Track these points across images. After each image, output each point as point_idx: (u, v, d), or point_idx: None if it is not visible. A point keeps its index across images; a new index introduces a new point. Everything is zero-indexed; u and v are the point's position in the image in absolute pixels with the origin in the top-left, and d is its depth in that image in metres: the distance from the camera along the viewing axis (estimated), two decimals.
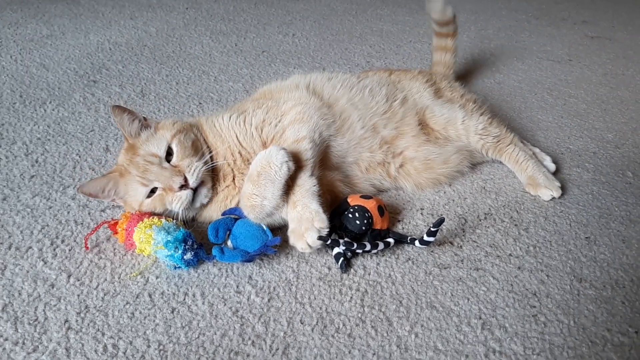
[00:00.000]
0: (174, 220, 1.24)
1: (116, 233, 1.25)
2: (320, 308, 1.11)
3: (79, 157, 1.63)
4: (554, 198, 1.48)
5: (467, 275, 1.21)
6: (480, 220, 1.40)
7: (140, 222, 1.20)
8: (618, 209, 1.46)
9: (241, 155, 1.33)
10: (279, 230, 1.28)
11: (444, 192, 1.52)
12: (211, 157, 1.30)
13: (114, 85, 2.15)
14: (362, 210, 1.26)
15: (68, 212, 1.38)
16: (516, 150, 1.57)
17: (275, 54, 2.58)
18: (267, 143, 1.34)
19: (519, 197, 1.50)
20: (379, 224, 1.27)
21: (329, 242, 1.17)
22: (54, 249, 1.26)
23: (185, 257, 1.15)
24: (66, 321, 1.06)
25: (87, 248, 1.25)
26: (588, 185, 1.56)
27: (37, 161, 1.60)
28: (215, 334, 1.05)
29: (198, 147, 1.30)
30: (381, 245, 1.24)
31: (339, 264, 1.20)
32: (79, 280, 1.17)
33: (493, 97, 2.17)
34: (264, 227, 1.23)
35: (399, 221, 1.39)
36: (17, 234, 1.30)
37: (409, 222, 1.39)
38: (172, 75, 2.26)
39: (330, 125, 1.40)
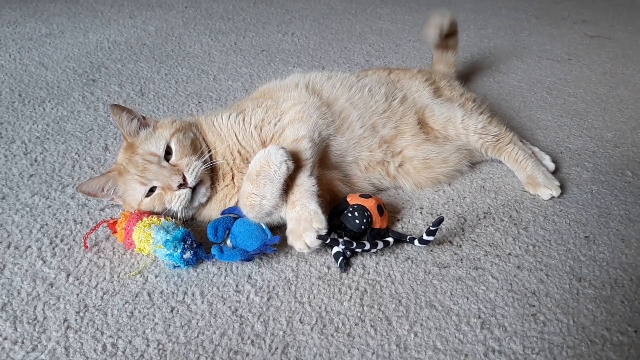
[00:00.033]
0: (173, 220, 1.24)
1: (115, 232, 1.25)
2: (320, 307, 1.11)
3: (78, 156, 1.63)
4: (553, 197, 1.48)
5: (467, 275, 1.21)
6: (479, 219, 1.40)
7: (140, 221, 1.20)
8: (617, 208, 1.46)
9: (240, 154, 1.33)
10: (278, 229, 1.28)
11: (443, 191, 1.51)
12: (210, 156, 1.30)
13: (113, 84, 2.15)
14: (362, 209, 1.26)
15: (67, 211, 1.38)
16: (515, 149, 1.57)
17: (274, 53, 2.58)
18: (266, 142, 1.34)
19: (518, 196, 1.50)
20: (378, 223, 1.27)
21: (328, 241, 1.17)
22: (53, 248, 1.25)
23: (184, 256, 1.15)
24: (65, 320, 1.06)
25: (86, 247, 1.25)
26: (587, 185, 1.56)
27: (36, 160, 1.60)
28: (215, 333, 1.05)
29: (197, 146, 1.29)
30: (380, 245, 1.23)
31: (338, 263, 1.20)
32: (78, 279, 1.17)
33: (492, 96, 2.17)
34: (263, 226, 1.23)
35: (398, 220, 1.39)
36: (16, 233, 1.30)
37: (409, 221, 1.39)
38: (172, 74, 2.26)
39: (330, 125, 1.40)
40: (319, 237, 1.15)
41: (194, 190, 1.24)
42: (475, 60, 2.57)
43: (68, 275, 1.17)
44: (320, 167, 1.35)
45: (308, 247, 1.16)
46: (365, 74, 1.71)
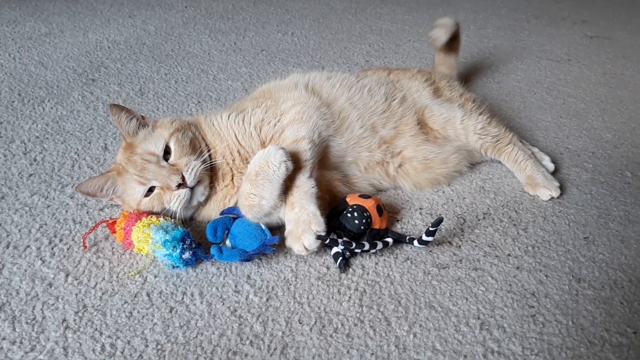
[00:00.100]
0: (172, 220, 1.23)
1: (114, 232, 1.25)
2: (319, 308, 1.11)
3: (78, 155, 1.63)
4: (552, 198, 1.48)
5: (466, 275, 1.21)
6: (479, 220, 1.40)
7: (139, 221, 1.20)
8: (617, 209, 1.46)
9: (240, 154, 1.33)
10: (278, 229, 1.28)
11: (443, 192, 1.51)
12: (210, 156, 1.30)
13: (112, 83, 2.15)
14: (361, 209, 1.26)
15: (66, 211, 1.38)
16: (515, 150, 1.57)
17: (274, 53, 2.58)
18: (265, 142, 1.33)
19: (517, 196, 1.50)
20: (377, 223, 1.27)
21: (327, 241, 1.17)
22: (52, 248, 1.25)
23: (183, 256, 1.15)
24: (64, 320, 1.06)
25: (85, 247, 1.25)
26: (587, 185, 1.56)
27: (35, 160, 1.60)
28: (214, 333, 1.05)
29: (196, 145, 1.29)
30: (380, 245, 1.23)
31: (338, 263, 1.20)
32: (77, 279, 1.17)
33: (492, 96, 2.17)
34: (263, 227, 1.23)
35: (397, 221, 1.39)
36: (15, 233, 1.30)
37: (408, 222, 1.39)
38: (171, 74, 2.26)
39: (330, 125, 1.40)
40: (318, 237, 1.15)
41: (192, 189, 1.24)
42: (475, 60, 2.57)
43: (67, 275, 1.17)
44: (320, 167, 1.35)
45: (306, 249, 1.16)
46: (365, 74, 1.71)
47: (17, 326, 1.04)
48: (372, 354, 1.01)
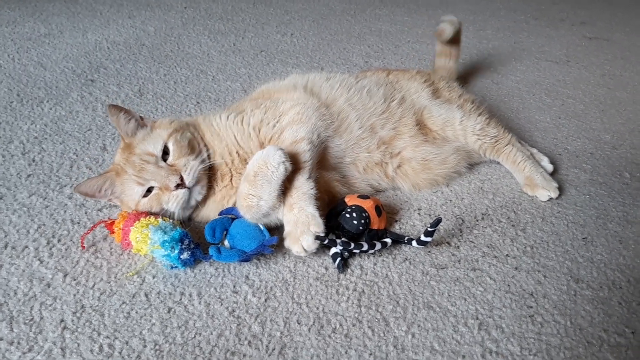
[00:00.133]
0: (171, 220, 1.23)
1: (113, 232, 1.25)
2: (317, 308, 1.11)
3: (76, 156, 1.63)
4: (551, 199, 1.48)
5: (464, 276, 1.21)
6: (477, 220, 1.40)
7: (137, 221, 1.19)
8: (615, 209, 1.46)
9: (239, 155, 1.33)
10: (276, 229, 1.28)
11: (442, 193, 1.51)
12: (208, 156, 1.30)
13: (111, 84, 2.15)
14: (360, 210, 1.26)
15: (65, 212, 1.38)
16: (514, 151, 1.57)
17: (273, 54, 2.58)
18: (264, 143, 1.33)
19: (516, 197, 1.50)
20: (376, 224, 1.27)
21: (326, 241, 1.17)
22: (50, 249, 1.25)
23: (181, 256, 1.15)
24: (62, 321, 1.06)
25: (83, 247, 1.25)
26: (585, 186, 1.56)
27: (34, 160, 1.60)
28: (212, 334, 1.05)
29: (194, 146, 1.29)
30: (378, 245, 1.23)
31: (336, 264, 1.20)
32: (75, 279, 1.16)
33: (491, 97, 2.18)
34: (261, 227, 1.23)
35: (396, 221, 1.39)
36: (14, 233, 1.30)
37: (407, 222, 1.39)
38: (170, 75, 2.26)
39: (329, 126, 1.40)
40: (317, 237, 1.15)
41: (190, 190, 1.24)
42: (474, 61, 2.58)
43: (65, 276, 1.17)
44: (319, 168, 1.35)
45: (305, 250, 1.16)
46: (364, 75, 1.71)
47: (15, 326, 1.04)
48: (371, 354, 1.01)
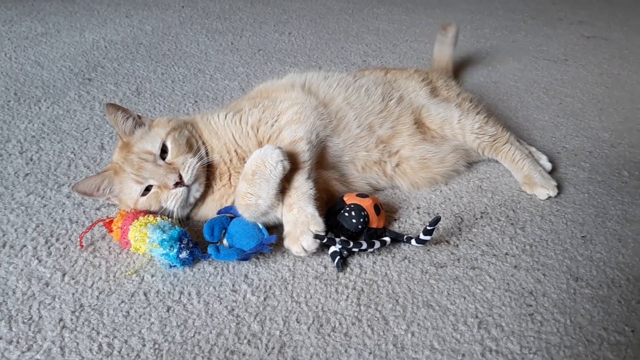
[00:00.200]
0: (170, 219, 1.23)
1: (111, 231, 1.24)
2: (317, 307, 1.11)
3: (74, 155, 1.63)
4: (550, 197, 1.48)
5: (464, 274, 1.21)
6: (476, 219, 1.40)
7: (136, 220, 1.19)
8: (614, 208, 1.46)
9: (237, 153, 1.32)
10: (275, 228, 1.28)
11: (440, 191, 1.51)
12: (206, 153, 1.30)
13: (109, 83, 2.14)
14: (359, 208, 1.26)
15: (63, 211, 1.37)
16: (512, 150, 1.57)
17: (271, 53, 2.57)
18: (263, 143, 1.33)
19: (515, 196, 1.50)
20: (375, 222, 1.27)
21: (325, 240, 1.17)
22: (49, 248, 1.25)
23: (180, 255, 1.15)
24: (61, 320, 1.06)
25: (81, 246, 1.24)
26: (584, 185, 1.56)
27: (31, 159, 1.59)
28: (211, 332, 1.04)
29: (192, 144, 1.29)
30: (377, 244, 1.23)
31: (335, 262, 1.20)
32: (73, 278, 1.16)
33: (489, 96, 2.18)
34: (260, 226, 1.22)
35: (395, 220, 1.39)
36: (12, 232, 1.29)
37: (405, 221, 1.39)
38: (168, 74, 2.26)
39: (327, 125, 1.39)
40: (316, 236, 1.15)
41: (189, 187, 1.24)
42: (472, 60, 2.57)
43: (64, 275, 1.17)
44: (317, 167, 1.35)
45: (305, 250, 1.15)
46: (362, 74, 1.70)
47: (14, 326, 1.04)
48: (370, 352, 1.01)
